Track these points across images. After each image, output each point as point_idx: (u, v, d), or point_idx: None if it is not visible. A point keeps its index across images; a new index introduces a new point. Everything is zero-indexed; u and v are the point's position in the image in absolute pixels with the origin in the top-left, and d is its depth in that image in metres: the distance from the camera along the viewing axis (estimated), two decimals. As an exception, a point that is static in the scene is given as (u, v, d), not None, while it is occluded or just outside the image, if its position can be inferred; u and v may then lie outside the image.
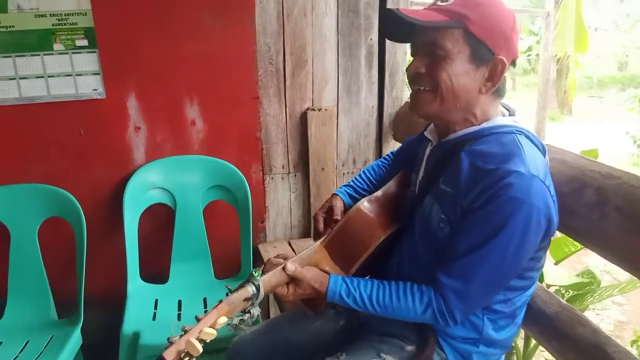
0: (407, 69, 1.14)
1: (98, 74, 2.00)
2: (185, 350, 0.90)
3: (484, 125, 1.13)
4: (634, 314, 3.74)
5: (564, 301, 1.34)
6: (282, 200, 2.39)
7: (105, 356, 1.94)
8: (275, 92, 2.22)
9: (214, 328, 0.95)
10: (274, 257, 1.21)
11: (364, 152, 2.41)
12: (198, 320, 0.96)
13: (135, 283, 2.07)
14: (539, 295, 1.39)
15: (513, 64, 1.13)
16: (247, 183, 2.16)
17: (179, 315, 1.98)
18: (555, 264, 2.38)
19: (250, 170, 2.27)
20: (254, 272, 1.08)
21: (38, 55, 1.94)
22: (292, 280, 1.15)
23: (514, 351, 2.36)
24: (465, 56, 1.07)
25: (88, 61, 1.98)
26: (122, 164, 2.11)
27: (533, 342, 2.32)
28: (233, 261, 2.22)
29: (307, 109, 2.27)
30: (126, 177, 2.10)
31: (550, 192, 1.05)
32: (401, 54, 2.31)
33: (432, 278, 1.10)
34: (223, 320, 0.97)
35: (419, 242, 1.21)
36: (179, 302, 2.05)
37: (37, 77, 1.95)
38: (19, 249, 1.98)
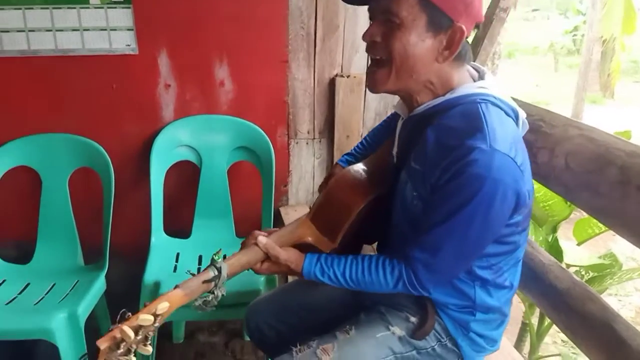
0: (363, 37, 1.11)
1: (132, 29, 2.03)
2: (121, 338, 0.92)
3: (448, 96, 1.09)
4: (657, 303, 3.68)
5: (575, 277, 1.34)
6: (305, 165, 2.41)
7: (127, 304, 2.00)
8: (305, 56, 2.22)
9: (154, 315, 0.95)
10: (256, 231, 1.20)
11: (390, 121, 2.40)
12: (145, 306, 0.97)
13: (158, 236, 2.14)
14: (551, 271, 1.39)
15: (476, 27, 1.09)
16: (272, 146, 2.18)
17: (198, 269, 2.04)
18: (578, 244, 2.35)
19: (275, 133, 2.29)
20: (215, 256, 1.09)
21: (74, 8, 1.97)
22: (267, 257, 1.16)
23: (528, 329, 2.36)
24: (422, 24, 1.03)
25: (122, 16, 2.01)
26: (152, 120, 2.16)
27: (547, 320, 2.31)
28: (254, 221, 2.26)
29: (336, 75, 2.27)
30: (155, 133, 2.15)
31: (516, 162, 1.01)
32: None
33: (404, 251, 1.12)
34: (164, 306, 0.97)
35: (399, 214, 1.21)
36: (200, 257, 2.11)
37: (73, 30, 2.00)
38: (50, 196, 2.07)
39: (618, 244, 4.00)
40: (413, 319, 1.23)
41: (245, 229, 2.29)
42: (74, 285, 1.92)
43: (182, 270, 2.02)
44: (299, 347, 1.21)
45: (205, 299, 1.07)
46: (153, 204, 2.10)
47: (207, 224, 2.22)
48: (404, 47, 1.04)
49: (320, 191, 1.47)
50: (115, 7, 1.99)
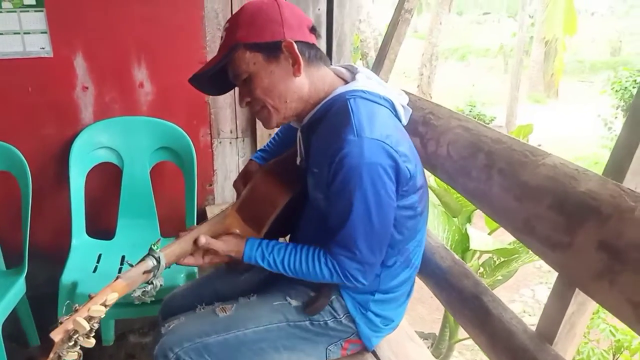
0: (239, 104, 1.24)
1: (45, 32, 2.04)
2: (74, 329, 0.94)
3: (322, 102, 1.20)
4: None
5: (456, 256, 1.44)
6: (230, 165, 2.46)
7: (50, 306, 2.02)
8: (224, 57, 2.27)
9: (104, 305, 0.98)
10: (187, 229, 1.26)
11: (312, 120, 2.47)
12: (91, 298, 1.00)
13: (80, 237, 2.15)
14: (438, 252, 1.49)
15: (313, 30, 1.19)
16: (193, 146, 2.23)
17: (120, 269, 2.06)
18: (489, 233, 2.47)
19: (198, 134, 2.33)
20: (153, 246, 1.13)
21: (-14, 13, 1.98)
22: (207, 250, 1.22)
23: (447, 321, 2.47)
24: (261, 62, 1.14)
25: (35, 20, 2.02)
26: (70, 122, 2.17)
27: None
28: (179, 221, 2.29)
29: (255, 75, 2.32)
30: (74, 136, 2.16)
31: (387, 143, 1.10)
32: (348, 25, 2.36)
33: (329, 247, 1.19)
34: (114, 297, 1.00)
35: (312, 212, 1.31)
36: (122, 258, 2.12)
37: (-14, 35, 2.00)
38: (-34, 200, 2.06)
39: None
40: (312, 294, 1.32)
41: (170, 229, 2.32)
42: (-8, 289, 1.92)
43: (102, 271, 2.04)
44: (203, 305, 1.33)
45: (144, 289, 1.11)
46: (73, 205, 2.12)
47: (131, 224, 2.24)
48: (265, 88, 1.16)
49: (235, 187, 1.52)
50: (27, 11, 2.01)
